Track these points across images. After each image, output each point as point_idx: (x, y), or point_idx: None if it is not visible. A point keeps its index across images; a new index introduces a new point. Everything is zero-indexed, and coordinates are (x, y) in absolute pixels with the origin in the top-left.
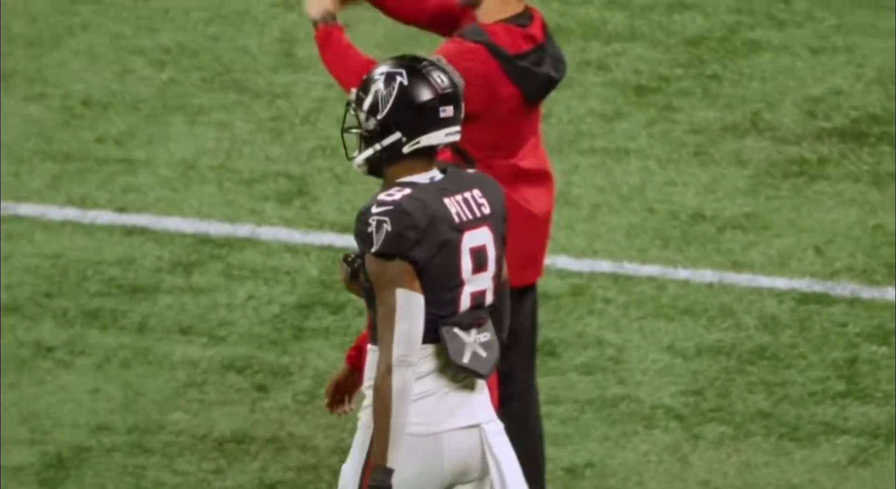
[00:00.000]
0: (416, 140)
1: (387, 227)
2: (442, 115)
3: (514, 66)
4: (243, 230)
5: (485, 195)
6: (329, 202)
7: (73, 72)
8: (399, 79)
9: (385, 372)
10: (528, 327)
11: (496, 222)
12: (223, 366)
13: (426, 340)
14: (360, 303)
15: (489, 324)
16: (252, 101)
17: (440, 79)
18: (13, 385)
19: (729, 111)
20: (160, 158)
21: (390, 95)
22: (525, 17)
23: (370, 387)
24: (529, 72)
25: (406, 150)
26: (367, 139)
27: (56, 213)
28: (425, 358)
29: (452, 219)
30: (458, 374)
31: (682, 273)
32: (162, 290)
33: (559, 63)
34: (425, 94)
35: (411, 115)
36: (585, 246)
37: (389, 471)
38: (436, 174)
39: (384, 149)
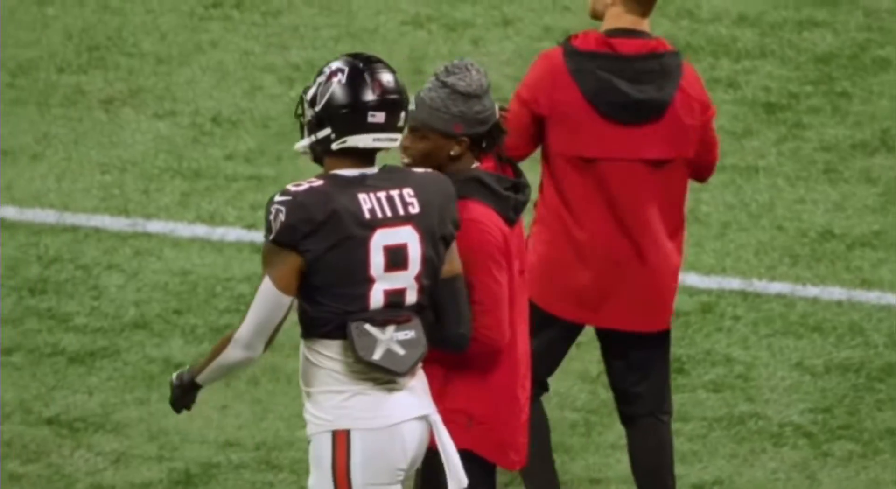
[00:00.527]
0: (343, 139)
1: (282, 217)
2: (370, 119)
3: (577, 62)
4: None
5: (418, 194)
6: None
7: (202, 89)
8: (339, 77)
9: (232, 339)
10: (663, 363)
11: (426, 222)
12: None
13: (337, 336)
14: None
15: (415, 322)
16: None
17: (383, 83)
18: (142, 401)
19: (858, 128)
20: (289, 175)
21: (327, 91)
22: (636, 34)
23: (306, 393)
24: (594, 74)
25: (335, 146)
26: (308, 129)
27: (185, 229)
28: (341, 353)
29: (362, 215)
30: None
31: (811, 291)
32: None
33: (655, 85)
34: (357, 96)
35: (341, 115)
36: (714, 263)
37: (195, 383)
38: (370, 170)
39: (318, 141)
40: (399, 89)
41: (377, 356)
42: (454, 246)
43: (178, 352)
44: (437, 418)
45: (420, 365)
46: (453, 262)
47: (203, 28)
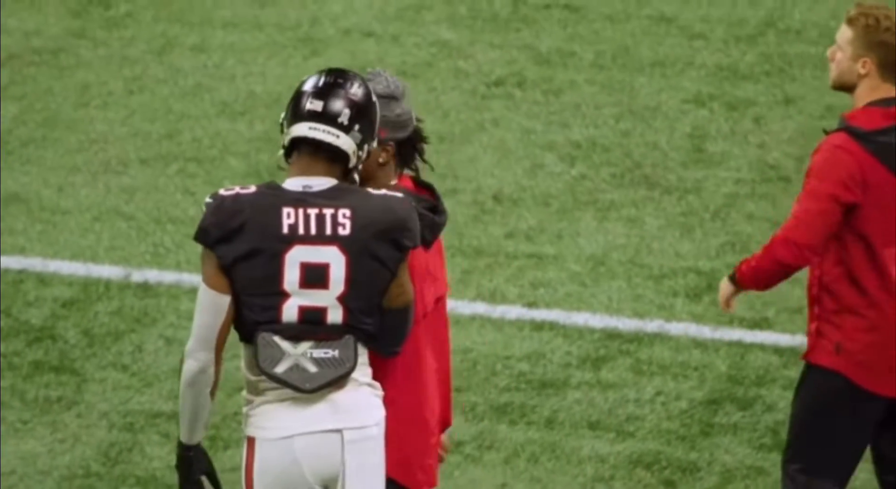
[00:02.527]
0: (288, 131)
1: (203, 218)
2: (307, 106)
3: (874, 143)
4: (652, 325)
5: (354, 216)
6: (738, 298)
7: (484, 167)
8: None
9: (183, 356)
10: None
11: (358, 245)
12: (631, 461)
13: (249, 340)
14: (770, 399)
15: (344, 342)
16: (662, 196)
17: (328, 75)
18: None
19: None
20: (570, 253)
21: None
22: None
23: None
24: (890, 146)
25: (285, 142)
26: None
27: (466, 307)
28: (251, 362)
29: (279, 229)
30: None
31: None
32: (571, 385)
33: None
34: (302, 88)
35: (289, 108)
36: None
37: (182, 445)
38: (314, 183)
39: (282, 144)
40: (344, 85)
41: (280, 369)
42: (404, 272)
43: (458, 430)
44: (356, 435)
45: (361, 380)
46: (403, 294)
47: (485, 106)
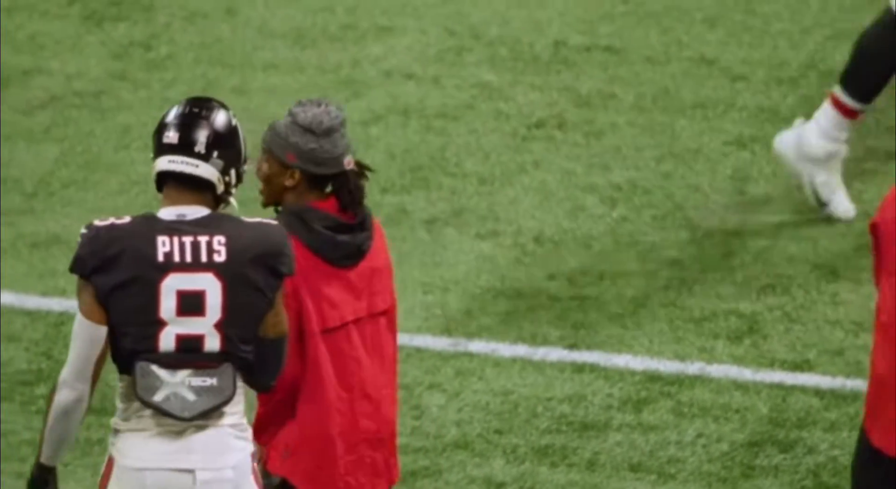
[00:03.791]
0: (154, 165)
1: (78, 248)
2: (165, 139)
3: None
4: (693, 368)
5: (229, 243)
6: (780, 340)
7: (524, 209)
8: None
9: (57, 384)
10: None
11: (234, 271)
12: None
13: (128, 371)
14: (811, 441)
15: (222, 370)
16: (703, 238)
17: (182, 106)
18: None
19: None
20: (611, 296)
21: None
22: None
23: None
24: None
25: (153, 175)
26: None
27: (506, 349)
28: (127, 388)
29: (154, 257)
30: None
31: None
32: (612, 427)
33: None
34: (162, 121)
35: (153, 142)
36: None
37: (42, 466)
38: (188, 211)
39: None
40: (200, 114)
41: (158, 397)
42: (280, 301)
43: (500, 472)
44: (207, 476)
45: (226, 421)
46: (278, 324)
47: (526, 148)
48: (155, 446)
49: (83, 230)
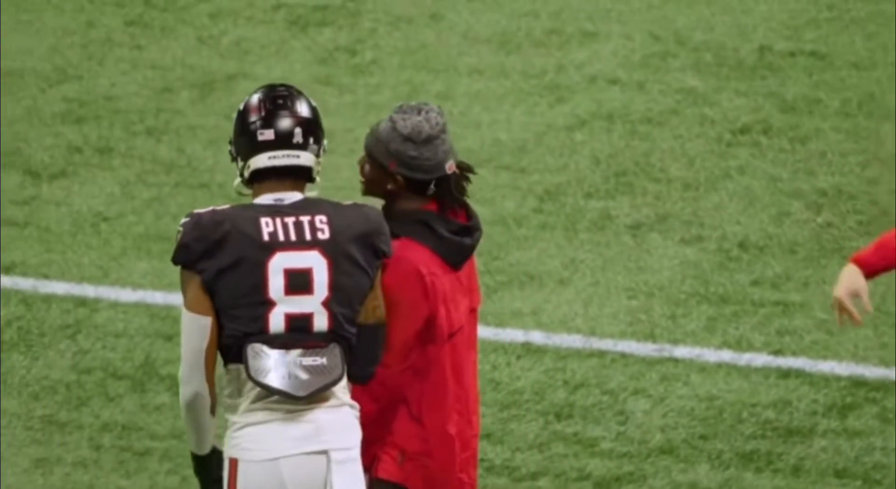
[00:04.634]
0: (248, 164)
1: (180, 237)
2: (260, 138)
3: None
4: None
5: (330, 221)
6: None
7: (729, 214)
8: (241, 107)
9: (179, 382)
10: None
11: (338, 248)
12: None
13: (236, 359)
14: None
15: (330, 349)
16: None
17: (267, 102)
18: None
19: None
20: (816, 301)
21: (235, 123)
22: None
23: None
24: None
25: (246, 174)
26: (237, 166)
27: (711, 355)
28: (236, 380)
29: (260, 237)
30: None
31: None
32: (817, 433)
33: None
34: (246, 119)
35: (239, 142)
36: None
37: (194, 455)
38: (285, 196)
39: (240, 173)
40: (286, 105)
41: (271, 378)
42: (378, 287)
43: (705, 477)
44: (341, 456)
45: (343, 399)
46: (378, 309)
47: (731, 154)
48: (283, 432)
49: (184, 220)
